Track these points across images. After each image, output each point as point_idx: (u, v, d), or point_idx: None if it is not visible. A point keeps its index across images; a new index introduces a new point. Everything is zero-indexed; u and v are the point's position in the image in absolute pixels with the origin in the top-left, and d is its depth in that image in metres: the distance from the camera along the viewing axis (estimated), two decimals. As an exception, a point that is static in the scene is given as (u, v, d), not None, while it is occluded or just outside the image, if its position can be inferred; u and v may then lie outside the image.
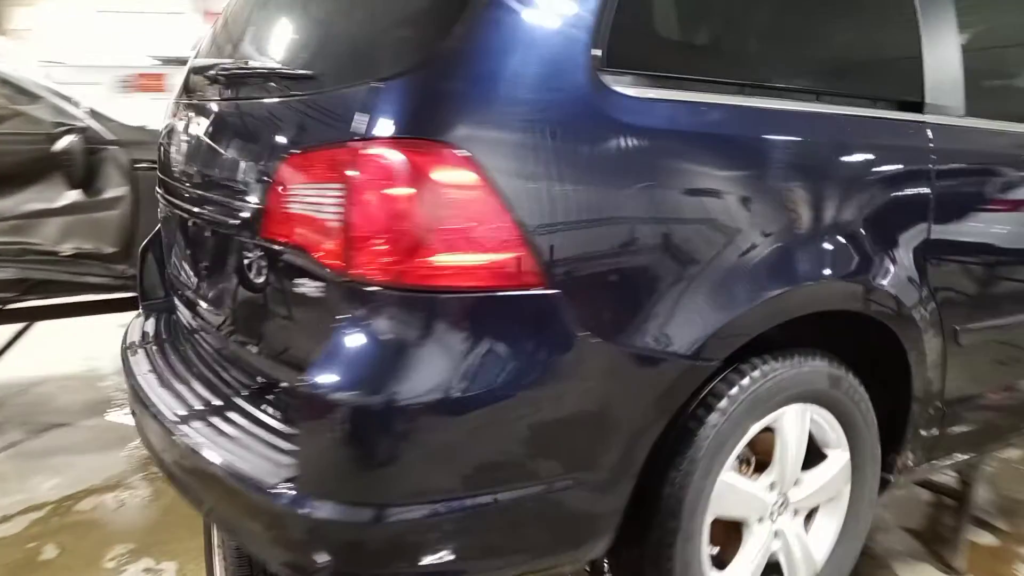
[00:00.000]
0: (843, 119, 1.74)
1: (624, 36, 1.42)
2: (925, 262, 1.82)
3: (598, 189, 1.39)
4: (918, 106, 1.84)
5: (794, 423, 1.75)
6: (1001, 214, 2.03)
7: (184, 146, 1.90)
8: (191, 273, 1.98)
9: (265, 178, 1.51)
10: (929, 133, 1.83)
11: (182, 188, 1.92)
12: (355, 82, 1.37)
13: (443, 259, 1.29)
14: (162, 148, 2.22)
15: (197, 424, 1.63)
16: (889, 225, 1.76)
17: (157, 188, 2.27)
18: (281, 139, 1.51)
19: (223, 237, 1.73)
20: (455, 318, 1.31)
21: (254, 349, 1.69)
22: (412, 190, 1.27)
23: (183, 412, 1.69)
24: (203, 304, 1.89)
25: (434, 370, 1.30)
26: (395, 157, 1.28)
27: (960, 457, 2.23)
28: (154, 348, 2.09)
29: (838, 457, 1.86)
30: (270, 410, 1.62)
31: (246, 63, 1.72)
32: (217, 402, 1.73)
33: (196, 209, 1.84)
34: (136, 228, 3.36)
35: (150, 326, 2.28)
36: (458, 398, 1.31)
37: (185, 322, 2.14)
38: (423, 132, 1.29)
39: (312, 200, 1.39)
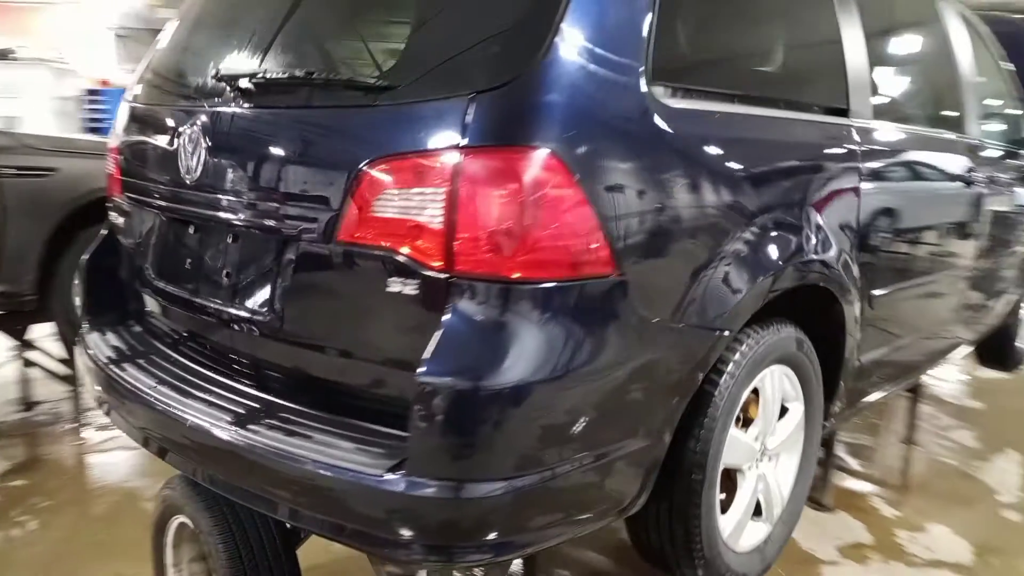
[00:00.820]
0: (815, 125, 2.11)
1: (662, 57, 1.62)
2: (856, 241, 2.20)
3: (651, 184, 1.57)
4: (844, 112, 2.22)
5: (772, 381, 2.04)
6: (897, 196, 2.47)
7: (203, 153, 1.80)
8: (208, 281, 1.87)
9: (341, 184, 1.52)
10: (855, 133, 2.21)
11: (198, 196, 1.83)
12: (449, 94, 1.45)
13: (540, 253, 1.41)
14: (141, 155, 2.07)
15: (257, 428, 1.61)
16: (840, 209, 2.12)
17: (128, 196, 2.11)
18: (361, 147, 1.53)
19: (273, 243, 1.69)
20: (551, 304, 1.42)
21: (322, 349, 1.67)
22: (513, 190, 1.39)
23: (233, 419, 1.65)
24: (232, 312, 1.79)
25: (537, 352, 1.40)
26: (498, 161, 1.40)
27: (868, 400, 2.69)
28: (145, 361, 1.97)
29: (797, 409, 2.19)
30: (349, 404, 1.63)
31: (310, 73, 1.65)
32: (271, 404, 1.71)
33: (228, 217, 1.76)
34: (2, 241, 2.99)
35: (118, 340, 2.12)
36: (558, 376, 1.42)
37: (174, 330, 2.04)
38: (520, 139, 1.40)
39: (408, 203, 1.45)
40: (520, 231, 1.39)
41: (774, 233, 1.84)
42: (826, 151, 2.11)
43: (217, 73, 1.85)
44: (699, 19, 1.83)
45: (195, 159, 1.82)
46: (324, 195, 1.56)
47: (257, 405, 1.73)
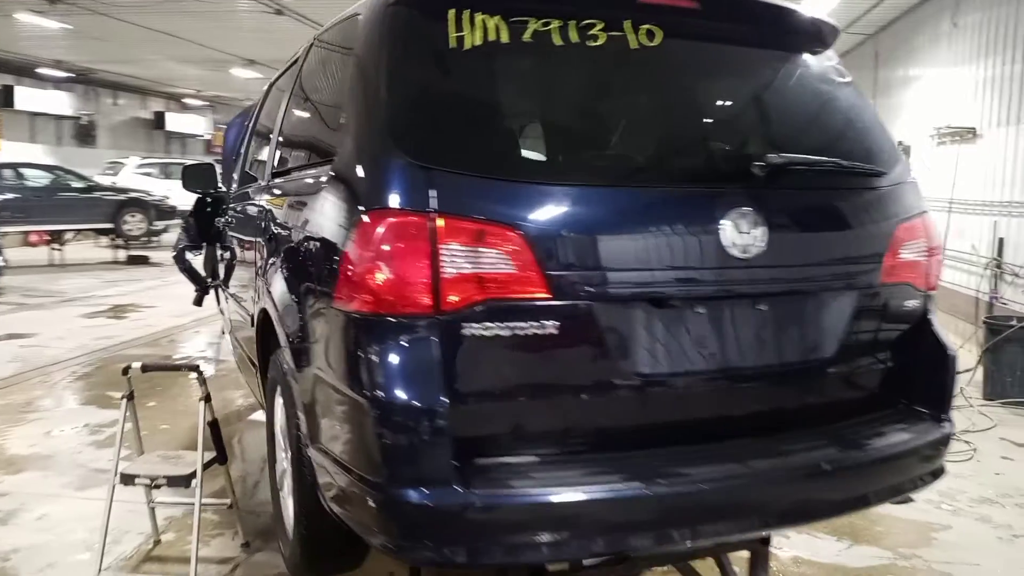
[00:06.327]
0: None
1: None
2: None
3: None
4: None
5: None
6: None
7: (762, 232, 2.10)
8: (746, 348, 2.17)
9: (884, 242, 2.35)
10: None
11: (755, 274, 2.13)
12: (905, 180, 2.48)
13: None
14: (614, 243, 2.01)
15: (866, 444, 2.25)
16: None
17: (583, 291, 1.96)
18: (891, 214, 2.40)
19: (833, 296, 2.30)
20: None
21: (857, 367, 2.41)
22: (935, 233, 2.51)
23: (844, 447, 2.22)
24: (784, 368, 2.25)
25: None
26: (932, 219, 2.52)
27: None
28: (684, 460, 2.05)
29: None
30: (837, 408, 2.38)
31: (828, 161, 2.37)
32: (813, 433, 2.27)
33: (796, 286, 2.25)
34: None
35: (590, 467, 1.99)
36: None
37: (652, 419, 2.14)
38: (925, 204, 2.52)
39: (914, 250, 2.40)
40: (937, 253, 2.49)
41: None
42: None
43: (764, 158, 2.18)
44: None
45: (752, 238, 2.09)
46: (872, 252, 2.34)
47: (820, 436, 2.27)
